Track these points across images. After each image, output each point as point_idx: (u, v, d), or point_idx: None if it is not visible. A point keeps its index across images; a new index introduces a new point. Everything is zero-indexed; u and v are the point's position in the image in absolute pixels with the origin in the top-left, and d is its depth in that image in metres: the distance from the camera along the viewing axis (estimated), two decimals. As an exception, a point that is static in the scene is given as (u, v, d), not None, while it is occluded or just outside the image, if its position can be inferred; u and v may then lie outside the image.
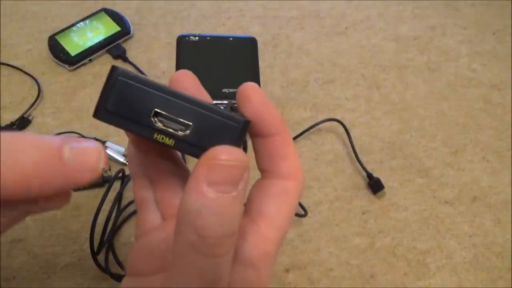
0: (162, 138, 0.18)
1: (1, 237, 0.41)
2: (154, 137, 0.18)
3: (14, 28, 0.56)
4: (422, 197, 0.48)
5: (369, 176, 0.48)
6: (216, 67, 0.50)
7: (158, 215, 0.23)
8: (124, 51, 0.55)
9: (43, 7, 0.59)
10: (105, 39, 0.55)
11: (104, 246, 0.41)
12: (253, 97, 0.20)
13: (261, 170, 0.21)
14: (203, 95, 0.21)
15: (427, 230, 0.46)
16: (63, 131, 0.48)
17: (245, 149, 0.45)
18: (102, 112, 0.17)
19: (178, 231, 0.16)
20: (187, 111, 0.17)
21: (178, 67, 0.50)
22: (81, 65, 0.54)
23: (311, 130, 0.51)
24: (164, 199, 0.22)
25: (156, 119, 0.17)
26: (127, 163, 0.47)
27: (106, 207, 0.41)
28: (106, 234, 0.41)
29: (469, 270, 0.45)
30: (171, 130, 0.17)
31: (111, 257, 0.42)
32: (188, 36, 0.52)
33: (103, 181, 0.46)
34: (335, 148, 0.51)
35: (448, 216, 0.48)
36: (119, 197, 0.44)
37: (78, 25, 0.56)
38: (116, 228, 0.43)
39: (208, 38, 0.52)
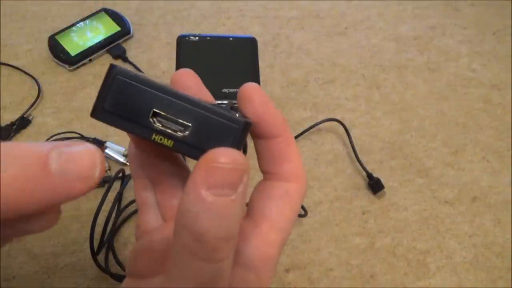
0: (161, 139, 0.17)
1: None
2: (153, 138, 0.17)
3: (14, 28, 0.56)
4: (422, 197, 0.48)
5: (369, 176, 0.48)
6: (216, 67, 0.50)
7: (158, 216, 0.23)
8: (124, 51, 0.55)
9: (43, 7, 0.59)
10: (105, 39, 0.55)
11: (104, 246, 0.41)
12: (254, 98, 0.19)
13: (263, 172, 0.21)
14: (204, 94, 0.21)
15: (427, 230, 0.46)
16: (63, 131, 0.48)
17: (244, 151, 0.45)
18: (100, 111, 0.17)
19: (176, 235, 0.16)
20: (187, 112, 0.17)
21: (178, 67, 0.50)
22: (81, 65, 0.54)
23: (311, 130, 0.51)
24: (164, 200, 0.22)
25: (154, 119, 0.17)
26: (127, 163, 0.47)
27: (106, 207, 0.41)
28: (106, 234, 0.41)
29: (469, 270, 0.45)
30: (170, 131, 0.17)
31: (111, 257, 0.42)
32: (188, 36, 0.52)
33: (103, 181, 0.46)
34: (335, 148, 0.51)
35: (448, 216, 0.48)
36: (119, 197, 0.44)
37: (78, 25, 0.56)
38: (116, 228, 0.43)
39: (208, 38, 0.52)
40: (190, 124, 0.17)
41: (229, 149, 0.15)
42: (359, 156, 0.49)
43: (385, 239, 0.46)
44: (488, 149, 0.52)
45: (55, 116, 0.50)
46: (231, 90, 0.49)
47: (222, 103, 0.48)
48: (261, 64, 0.53)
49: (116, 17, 0.57)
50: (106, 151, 0.47)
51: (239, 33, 0.59)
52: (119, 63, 0.55)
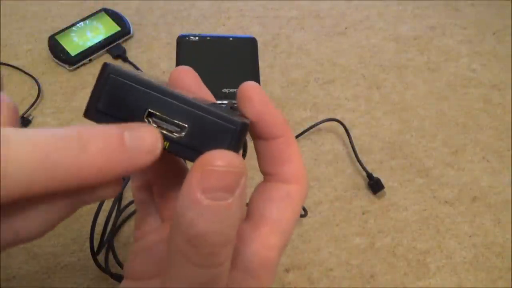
0: None
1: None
2: None
3: (14, 28, 0.56)
4: (422, 197, 0.48)
5: (369, 176, 0.48)
6: (216, 67, 0.50)
7: (157, 217, 0.22)
8: (124, 51, 0.55)
9: (43, 7, 0.59)
10: (105, 39, 0.55)
11: (104, 246, 0.41)
12: (254, 97, 0.19)
13: (264, 173, 0.21)
14: (204, 92, 0.21)
15: (427, 230, 0.46)
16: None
17: (244, 151, 0.45)
18: (93, 112, 0.17)
19: (171, 238, 0.16)
20: (183, 112, 0.16)
21: (178, 67, 0.50)
22: (81, 65, 0.54)
23: (311, 130, 0.51)
24: (163, 201, 0.22)
25: (150, 119, 0.17)
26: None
27: (106, 207, 0.41)
28: (106, 234, 0.41)
29: (469, 270, 0.45)
30: (165, 132, 0.17)
31: (111, 257, 0.42)
32: (188, 36, 0.52)
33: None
34: (335, 148, 0.51)
35: (448, 216, 0.48)
36: (119, 197, 0.44)
37: (78, 25, 0.56)
38: (116, 228, 0.43)
39: (208, 38, 0.52)
40: (186, 125, 0.17)
41: (225, 151, 0.15)
42: (359, 156, 0.49)
43: (385, 239, 0.46)
44: (488, 149, 0.52)
45: (55, 116, 0.50)
46: (231, 90, 0.49)
47: (222, 103, 0.48)
48: (261, 64, 0.53)
49: (116, 17, 0.57)
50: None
51: (239, 33, 0.59)
52: (119, 63, 0.55)
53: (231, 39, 0.52)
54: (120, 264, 0.41)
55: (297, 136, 0.51)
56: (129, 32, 0.56)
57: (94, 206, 0.41)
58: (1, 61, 0.53)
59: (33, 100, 0.50)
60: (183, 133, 0.17)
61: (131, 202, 0.44)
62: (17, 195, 0.14)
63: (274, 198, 0.19)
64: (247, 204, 0.21)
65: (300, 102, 0.54)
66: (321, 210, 0.47)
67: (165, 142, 0.17)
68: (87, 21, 0.56)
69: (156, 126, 0.17)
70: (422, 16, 0.64)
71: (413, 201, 0.48)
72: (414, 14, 0.64)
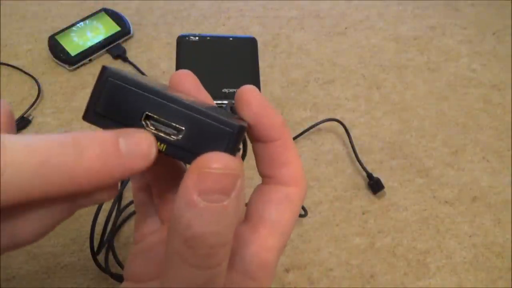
0: None
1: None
2: None
3: (14, 28, 0.56)
4: (422, 197, 0.48)
5: (369, 176, 0.48)
6: (216, 67, 0.50)
7: (156, 218, 0.22)
8: (124, 51, 0.55)
9: (43, 7, 0.59)
10: (105, 39, 0.55)
11: (104, 246, 0.41)
12: (252, 101, 0.19)
13: (262, 175, 0.21)
14: (203, 96, 0.21)
15: (427, 230, 0.46)
16: (63, 131, 0.48)
17: (244, 152, 0.45)
18: (92, 114, 0.17)
19: (168, 240, 0.16)
20: (180, 115, 0.17)
21: (178, 67, 0.50)
22: (81, 65, 0.54)
23: (311, 130, 0.51)
24: (162, 203, 0.22)
25: (147, 122, 0.17)
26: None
27: (106, 207, 0.41)
28: (106, 234, 0.41)
29: (469, 270, 0.45)
30: (162, 135, 0.17)
31: (111, 257, 0.42)
32: (188, 36, 0.52)
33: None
34: (335, 148, 0.51)
35: (448, 216, 0.48)
36: (119, 197, 0.44)
37: (78, 25, 0.56)
38: (116, 228, 0.43)
39: (208, 38, 0.52)
40: (183, 128, 0.17)
41: (221, 153, 0.15)
42: (359, 156, 0.49)
43: (385, 239, 0.46)
44: (488, 149, 0.52)
45: (55, 116, 0.50)
46: (231, 90, 0.49)
47: (222, 103, 0.48)
48: (261, 64, 0.53)
49: (116, 17, 0.57)
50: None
51: (239, 33, 0.59)
52: (119, 63, 0.55)
53: (231, 39, 0.52)
54: (120, 264, 0.41)
55: (297, 136, 0.51)
56: (129, 32, 0.56)
57: (94, 206, 0.41)
58: (1, 61, 0.53)
59: (33, 100, 0.50)
60: (180, 136, 0.17)
61: (131, 202, 0.44)
62: (15, 200, 0.14)
63: (273, 200, 0.19)
64: (247, 204, 0.21)
65: (300, 102, 0.54)
66: (321, 210, 0.47)
67: (163, 145, 0.17)
68: (87, 21, 0.56)
69: (153, 128, 0.17)
70: (422, 16, 0.64)
71: (413, 201, 0.48)
72: (414, 14, 0.64)
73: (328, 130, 0.52)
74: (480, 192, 0.49)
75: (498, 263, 0.45)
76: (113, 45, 0.55)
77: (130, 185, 0.45)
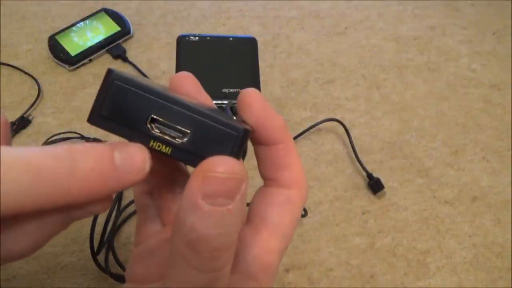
0: (159, 146, 0.17)
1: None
2: (150, 145, 0.17)
3: (14, 28, 0.56)
4: (422, 197, 0.48)
5: (369, 176, 0.48)
6: (216, 67, 0.50)
7: (158, 220, 0.22)
8: (124, 51, 0.55)
9: (43, 7, 0.59)
10: (105, 39, 0.55)
11: (104, 246, 0.41)
12: (254, 104, 0.19)
13: (264, 178, 0.21)
14: (203, 98, 0.21)
15: (427, 230, 0.47)
16: (63, 131, 0.48)
17: (244, 152, 0.45)
18: (97, 117, 0.17)
19: (172, 243, 0.16)
20: (185, 118, 0.17)
21: (178, 67, 0.50)
22: (81, 65, 0.54)
23: (311, 130, 0.51)
24: (164, 205, 0.22)
25: (152, 125, 0.17)
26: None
27: (106, 207, 0.41)
28: (106, 234, 0.41)
29: (469, 270, 0.45)
30: (167, 138, 0.17)
31: (111, 257, 0.42)
32: (188, 36, 0.52)
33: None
34: (335, 148, 0.51)
35: (448, 216, 0.48)
36: (119, 197, 0.44)
37: (78, 25, 0.56)
38: (116, 228, 0.43)
39: (208, 38, 0.52)
40: (188, 131, 0.17)
41: (226, 157, 0.15)
42: (359, 156, 0.49)
43: (385, 239, 0.46)
44: (488, 149, 0.52)
45: (55, 116, 0.50)
46: (231, 90, 0.49)
47: (222, 103, 0.48)
48: (261, 64, 0.53)
49: (116, 17, 0.57)
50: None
51: (239, 33, 0.59)
52: (119, 63, 0.55)
53: (231, 39, 0.52)
54: (120, 264, 0.41)
55: (297, 136, 0.51)
56: (129, 32, 0.56)
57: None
58: (1, 61, 0.53)
59: (33, 100, 0.50)
60: (186, 139, 0.17)
61: (131, 202, 0.44)
62: (8, 212, 0.14)
63: (274, 202, 0.20)
64: (248, 204, 0.21)
65: (300, 102, 0.54)
66: (321, 210, 0.47)
67: (168, 148, 0.17)
68: (87, 21, 0.56)
69: (159, 131, 0.17)
70: (422, 16, 0.64)
71: (413, 201, 0.48)
72: (414, 14, 0.64)
73: (328, 130, 0.52)
74: (480, 192, 0.49)
75: (498, 263, 0.45)
76: (113, 45, 0.55)
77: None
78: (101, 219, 0.41)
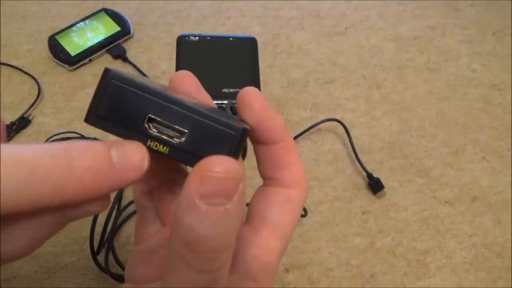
0: (156, 146, 0.17)
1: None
2: (148, 144, 0.17)
3: (14, 28, 0.56)
4: (422, 197, 0.48)
5: (369, 176, 0.48)
6: (216, 67, 0.50)
7: (157, 220, 0.22)
8: (124, 51, 0.55)
9: (43, 7, 0.59)
10: (105, 39, 0.55)
11: (104, 246, 0.41)
12: (254, 103, 0.19)
13: (264, 177, 0.21)
14: (203, 97, 0.21)
15: (427, 230, 0.46)
16: (63, 131, 0.48)
17: (244, 152, 0.45)
18: (94, 117, 0.17)
19: (170, 243, 0.16)
20: (183, 118, 0.16)
21: (178, 67, 0.50)
22: (81, 65, 0.54)
23: (311, 130, 0.51)
24: (163, 205, 0.22)
25: (150, 125, 0.17)
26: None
27: (106, 207, 0.41)
28: (106, 234, 0.41)
29: (469, 270, 0.45)
30: (165, 137, 0.17)
31: (111, 257, 0.42)
32: (188, 36, 0.52)
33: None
34: (335, 148, 0.51)
35: (448, 216, 0.48)
36: (119, 197, 0.44)
37: (78, 25, 0.56)
38: (116, 228, 0.43)
39: (208, 38, 0.52)
40: (186, 130, 0.17)
41: (223, 157, 0.15)
42: (359, 156, 0.49)
43: (385, 239, 0.46)
44: (488, 149, 0.52)
45: (55, 116, 0.50)
46: (231, 90, 0.49)
47: (222, 103, 0.48)
48: (261, 64, 0.53)
49: (116, 17, 0.57)
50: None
51: (239, 33, 0.59)
52: (119, 63, 0.55)
53: (231, 39, 0.52)
54: (120, 264, 0.41)
55: (297, 136, 0.51)
56: (129, 32, 0.56)
57: (94, 206, 0.41)
58: (1, 61, 0.53)
59: (33, 100, 0.50)
60: (183, 139, 0.17)
61: (131, 202, 0.44)
62: (3, 211, 0.14)
63: (274, 202, 0.19)
64: (248, 204, 0.21)
65: (300, 102, 0.54)
66: (321, 210, 0.47)
67: (165, 147, 0.17)
68: (87, 21, 0.56)
69: (156, 131, 0.17)
70: (422, 16, 0.64)
71: (413, 201, 0.48)
72: (414, 14, 0.64)
73: (328, 130, 0.52)
74: (480, 192, 0.49)
75: (498, 263, 0.45)
76: (113, 45, 0.55)
77: (130, 185, 0.45)
78: (101, 219, 0.41)
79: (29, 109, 0.49)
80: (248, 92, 0.19)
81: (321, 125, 0.51)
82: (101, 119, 0.17)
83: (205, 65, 0.50)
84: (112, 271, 0.40)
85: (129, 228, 0.44)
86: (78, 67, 0.54)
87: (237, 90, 0.49)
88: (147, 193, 0.23)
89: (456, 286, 0.44)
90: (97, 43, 0.54)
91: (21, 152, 0.14)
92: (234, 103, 0.48)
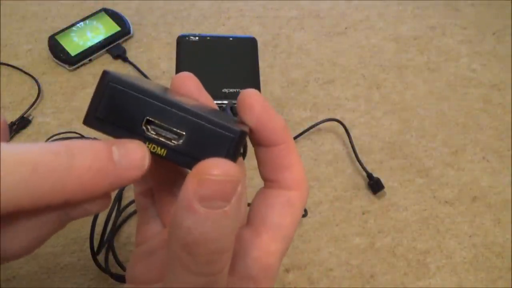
0: (154, 148, 0.17)
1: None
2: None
3: (14, 28, 0.56)
4: (422, 197, 0.48)
5: (369, 176, 0.48)
6: (216, 67, 0.50)
7: (158, 222, 0.22)
8: (124, 51, 0.55)
9: (43, 7, 0.59)
10: (105, 39, 0.55)
11: (104, 246, 0.41)
12: (255, 106, 0.19)
13: (264, 179, 0.21)
14: (205, 98, 0.21)
15: (427, 230, 0.46)
16: (63, 131, 0.48)
17: (244, 152, 0.45)
18: (92, 119, 0.17)
19: (169, 246, 0.16)
20: (181, 120, 0.16)
21: (178, 67, 0.50)
22: (81, 65, 0.54)
23: (311, 130, 0.51)
24: (164, 207, 0.22)
25: (148, 127, 0.17)
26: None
27: (106, 207, 0.41)
28: (106, 234, 0.41)
29: (469, 270, 0.45)
30: (163, 139, 0.17)
31: (111, 257, 0.42)
32: (188, 36, 0.52)
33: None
34: (335, 148, 0.51)
35: (448, 216, 0.48)
36: (119, 197, 0.44)
37: (78, 25, 0.56)
38: (116, 228, 0.43)
39: (208, 38, 0.52)
40: (184, 133, 0.17)
41: (221, 160, 0.15)
42: (359, 156, 0.49)
43: (385, 239, 0.46)
44: (488, 149, 0.52)
45: (55, 116, 0.50)
46: (231, 90, 0.49)
47: (222, 103, 0.48)
48: (261, 64, 0.53)
49: (116, 17, 0.57)
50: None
51: (239, 33, 0.59)
52: (119, 63, 0.55)
53: (231, 39, 0.52)
54: (120, 264, 0.41)
55: (297, 136, 0.51)
56: (129, 32, 0.56)
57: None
58: (1, 61, 0.53)
59: (33, 100, 0.50)
60: (181, 141, 0.17)
61: (131, 202, 0.44)
62: (5, 210, 0.14)
63: (275, 204, 0.19)
64: (249, 204, 0.21)
65: (300, 102, 0.54)
66: (321, 210, 0.47)
67: (163, 150, 0.17)
68: (87, 21, 0.56)
69: (154, 133, 0.17)
70: (422, 16, 0.64)
71: (413, 201, 0.48)
72: (414, 14, 0.64)
73: (328, 130, 0.52)
74: (480, 192, 0.49)
75: (498, 263, 0.45)
76: (113, 45, 0.55)
77: (130, 185, 0.45)
78: (101, 219, 0.41)
79: (29, 109, 0.49)
80: (249, 94, 0.19)
81: (321, 125, 0.51)
82: (100, 121, 0.17)
83: (205, 65, 0.50)
84: (112, 271, 0.40)
85: (129, 228, 0.44)
86: (78, 67, 0.54)
87: (237, 90, 0.49)
88: (148, 194, 0.23)
89: (456, 286, 0.44)
90: (97, 43, 0.54)
91: (22, 151, 0.14)
92: (234, 103, 0.48)
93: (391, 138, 0.52)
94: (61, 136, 0.48)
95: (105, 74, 0.16)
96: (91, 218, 0.41)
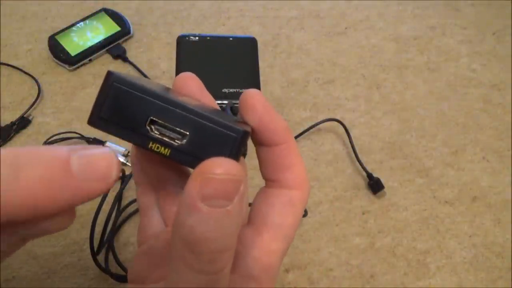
0: (157, 148, 0.17)
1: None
2: (149, 146, 0.17)
3: (14, 28, 0.56)
4: (422, 197, 0.48)
5: (369, 176, 0.48)
6: (216, 67, 0.50)
7: (160, 221, 0.22)
8: (124, 51, 0.55)
9: (43, 7, 0.59)
10: (105, 39, 0.55)
11: (104, 246, 0.41)
12: (257, 106, 0.19)
13: (266, 179, 0.21)
14: (206, 98, 0.21)
15: (427, 230, 0.46)
16: (63, 131, 0.48)
17: (244, 154, 0.45)
18: (97, 119, 0.17)
19: (172, 245, 0.16)
20: (184, 120, 0.17)
21: (178, 67, 0.50)
22: (81, 65, 0.54)
23: (311, 130, 0.51)
24: (166, 206, 0.22)
25: (152, 127, 0.17)
26: (127, 163, 0.47)
27: (106, 207, 0.41)
28: (106, 234, 0.41)
29: (469, 270, 0.45)
30: (166, 139, 0.17)
31: (111, 257, 0.42)
32: (188, 36, 0.52)
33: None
34: (335, 148, 0.51)
35: (448, 216, 0.48)
36: (119, 197, 0.44)
37: (78, 25, 0.56)
38: (116, 228, 0.43)
39: (208, 38, 0.52)
40: (187, 133, 0.17)
41: (224, 159, 0.15)
42: (359, 156, 0.49)
43: (385, 239, 0.46)
44: (488, 149, 0.52)
45: (55, 116, 0.50)
46: (231, 90, 0.49)
47: (222, 103, 0.48)
48: (261, 64, 0.53)
49: (116, 17, 0.57)
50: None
51: (239, 33, 0.59)
52: (119, 63, 0.55)
53: (231, 39, 0.52)
54: (120, 264, 0.41)
55: (297, 136, 0.51)
56: (129, 32, 0.56)
57: (94, 206, 0.41)
58: (1, 61, 0.53)
59: (33, 100, 0.50)
60: (184, 141, 0.17)
61: (131, 202, 0.44)
62: None
63: (276, 203, 0.20)
64: (250, 204, 0.21)
65: (300, 102, 0.54)
66: (321, 210, 0.47)
67: (167, 149, 0.17)
68: (87, 21, 0.56)
69: (158, 133, 0.17)
70: (422, 16, 0.64)
71: (413, 201, 0.48)
72: (414, 14, 0.64)
73: (328, 130, 0.52)
74: (480, 192, 0.49)
75: (498, 263, 0.45)
76: (113, 45, 0.55)
77: (130, 185, 0.45)
78: (101, 219, 0.41)
79: (29, 109, 0.49)
80: (251, 95, 0.19)
81: (321, 125, 0.51)
82: (104, 121, 0.17)
83: (205, 65, 0.50)
84: (112, 271, 0.40)
85: (129, 228, 0.44)
86: (78, 67, 0.54)
87: (237, 90, 0.49)
88: (150, 194, 0.23)
89: (456, 286, 0.44)
90: (97, 43, 0.54)
91: None
92: (234, 103, 0.48)
93: (391, 138, 0.52)
94: (61, 136, 0.48)
95: (109, 74, 0.17)
96: (91, 218, 0.41)
